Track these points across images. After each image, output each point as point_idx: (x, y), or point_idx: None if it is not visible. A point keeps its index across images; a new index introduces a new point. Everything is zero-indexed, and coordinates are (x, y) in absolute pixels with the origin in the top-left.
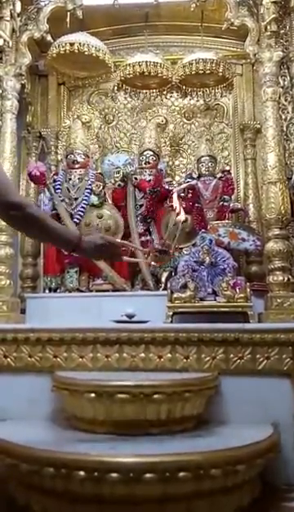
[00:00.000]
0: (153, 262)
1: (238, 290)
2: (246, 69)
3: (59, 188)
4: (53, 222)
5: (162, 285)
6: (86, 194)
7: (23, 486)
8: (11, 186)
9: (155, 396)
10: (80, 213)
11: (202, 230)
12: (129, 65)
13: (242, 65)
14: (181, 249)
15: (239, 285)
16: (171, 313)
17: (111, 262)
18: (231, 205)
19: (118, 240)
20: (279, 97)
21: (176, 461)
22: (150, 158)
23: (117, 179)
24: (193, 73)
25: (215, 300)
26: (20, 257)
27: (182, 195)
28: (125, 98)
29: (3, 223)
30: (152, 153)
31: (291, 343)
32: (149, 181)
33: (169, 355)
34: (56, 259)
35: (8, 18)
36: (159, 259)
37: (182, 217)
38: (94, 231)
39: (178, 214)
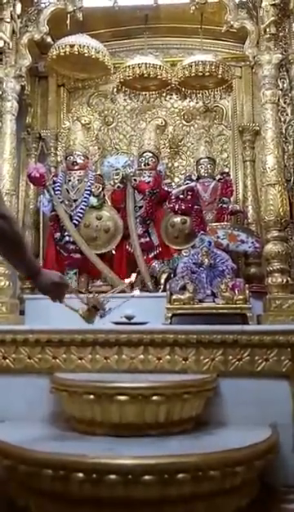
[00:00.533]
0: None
1: (236, 292)
2: (245, 72)
3: (58, 189)
4: (28, 246)
5: (161, 286)
6: (85, 195)
7: (22, 487)
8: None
9: (154, 397)
10: (79, 214)
11: (201, 232)
12: (129, 66)
13: (241, 67)
14: (180, 250)
15: (238, 286)
16: (170, 315)
17: (109, 265)
18: (230, 207)
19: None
20: (278, 99)
21: (175, 463)
22: (149, 159)
23: (116, 181)
24: (192, 75)
25: (214, 302)
26: None
27: (181, 196)
28: (124, 100)
29: None
30: (151, 155)
31: (290, 344)
32: (149, 182)
33: (168, 356)
34: (55, 260)
35: (8, 19)
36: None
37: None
38: (94, 231)
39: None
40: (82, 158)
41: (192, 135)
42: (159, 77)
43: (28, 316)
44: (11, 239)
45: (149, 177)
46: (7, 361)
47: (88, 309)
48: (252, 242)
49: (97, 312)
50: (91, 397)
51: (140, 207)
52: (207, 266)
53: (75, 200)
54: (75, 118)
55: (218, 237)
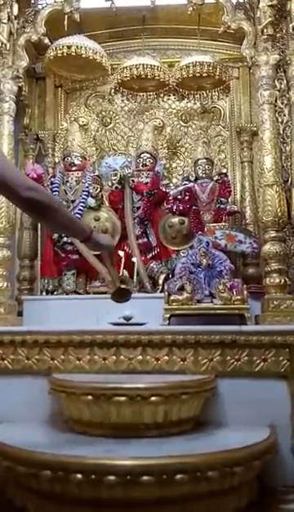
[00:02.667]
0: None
1: (234, 292)
2: (242, 72)
3: (56, 190)
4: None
5: (160, 287)
6: (83, 196)
7: (20, 488)
8: (19, 173)
9: (152, 398)
10: (77, 215)
11: (199, 232)
12: (126, 67)
13: (238, 68)
14: (178, 251)
15: (236, 287)
16: (168, 315)
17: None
18: (228, 208)
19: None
20: (276, 100)
21: (173, 463)
22: (147, 160)
23: (114, 181)
24: (190, 76)
25: (212, 302)
26: (17, 259)
27: (179, 197)
28: (122, 101)
29: (1, 225)
30: (149, 155)
31: (288, 345)
32: (147, 183)
33: (166, 357)
34: (53, 261)
35: (6, 20)
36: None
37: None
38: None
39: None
40: (80, 159)
41: (190, 136)
42: (157, 78)
43: (26, 317)
44: (49, 206)
45: (147, 177)
46: (5, 362)
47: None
48: (250, 243)
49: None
50: (90, 397)
51: (138, 208)
52: (205, 266)
53: (73, 201)
54: (73, 119)
55: (216, 238)
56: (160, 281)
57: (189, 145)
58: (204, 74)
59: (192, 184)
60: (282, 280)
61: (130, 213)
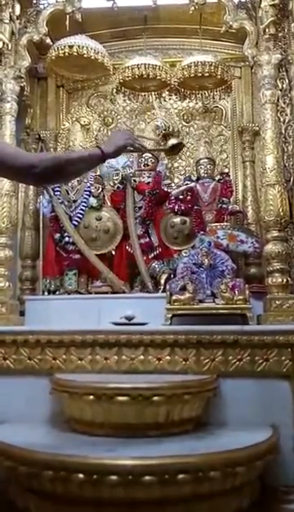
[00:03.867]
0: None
1: (236, 292)
2: (244, 72)
3: (58, 190)
4: (72, 153)
5: (161, 287)
6: (85, 196)
7: (22, 489)
8: (19, 151)
9: (154, 398)
10: (79, 215)
11: (201, 232)
12: (128, 67)
13: (240, 67)
14: (180, 251)
15: (238, 286)
16: (170, 315)
17: (109, 266)
18: (230, 207)
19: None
20: (278, 100)
21: (175, 464)
22: (149, 160)
23: (116, 181)
24: (191, 75)
25: (214, 302)
26: (19, 259)
27: (181, 197)
28: (124, 100)
29: (3, 225)
30: (151, 155)
31: (290, 345)
32: (148, 183)
33: (168, 357)
34: (55, 261)
35: (7, 20)
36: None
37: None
38: (93, 232)
39: None
40: None
41: (191, 135)
42: (158, 77)
43: (28, 317)
44: (56, 169)
45: (149, 177)
46: (8, 361)
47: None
48: (252, 242)
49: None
50: (91, 397)
51: (140, 207)
52: (207, 266)
53: (75, 201)
54: (74, 118)
55: (218, 237)
56: (162, 281)
57: (190, 145)
58: (206, 74)
59: (194, 184)
60: (285, 280)
61: (132, 212)
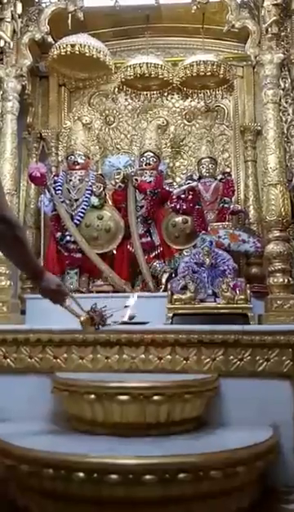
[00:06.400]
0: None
1: (238, 292)
2: (246, 71)
3: (59, 189)
4: (28, 250)
5: (163, 286)
6: (86, 195)
7: (22, 487)
8: (3, 198)
9: (155, 397)
10: (80, 214)
11: (203, 231)
12: (130, 66)
13: (242, 67)
14: (182, 250)
15: (239, 286)
16: (171, 315)
17: (110, 265)
18: (231, 207)
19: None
20: (280, 99)
21: (176, 463)
22: (151, 159)
23: (117, 180)
24: (193, 74)
25: (215, 302)
26: None
27: (182, 196)
28: (126, 100)
29: None
30: (152, 154)
31: (291, 345)
32: (150, 182)
33: (169, 356)
34: (56, 260)
35: (9, 19)
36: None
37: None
38: (95, 231)
39: None
40: (83, 157)
41: (193, 135)
42: (160, 76)
43: (29, 315)
44: (10, 243)
45: (151, 176)
46: (8, 360)
47: (87, 319)
48: (254, 242)
49: (94, 325)
50: (92, 396)
51: (142, 207)
52: (209, 266)
53: (76, 200)
54: (76, 117)
55: (219, 237)
56: (163, 280)
57: (192, 144)
58: (208, 73)
59: (195, 183)
60: (286, 280)
61: (133, 212)
